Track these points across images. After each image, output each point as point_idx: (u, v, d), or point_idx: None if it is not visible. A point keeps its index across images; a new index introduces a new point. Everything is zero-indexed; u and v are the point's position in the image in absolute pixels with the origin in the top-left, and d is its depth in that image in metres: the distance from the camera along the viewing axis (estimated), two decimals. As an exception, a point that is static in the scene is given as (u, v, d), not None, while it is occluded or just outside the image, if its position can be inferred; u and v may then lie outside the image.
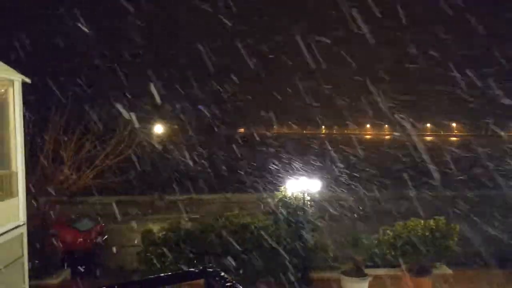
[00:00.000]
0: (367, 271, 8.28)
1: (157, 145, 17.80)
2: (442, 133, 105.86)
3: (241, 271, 7.56)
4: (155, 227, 8.23)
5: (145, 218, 14.78)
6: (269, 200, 9.52)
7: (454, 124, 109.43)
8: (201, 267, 1.94)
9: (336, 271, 8.35)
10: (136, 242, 8.29)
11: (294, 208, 8.60)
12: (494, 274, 9.35)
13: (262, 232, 7.87)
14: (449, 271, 8.92)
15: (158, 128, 24.46)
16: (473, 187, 21.30)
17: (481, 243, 10.80)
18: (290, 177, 9.11)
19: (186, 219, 9.51)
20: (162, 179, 20.15)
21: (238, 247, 7.67)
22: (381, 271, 8.98)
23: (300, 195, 8.79)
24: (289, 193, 8.88)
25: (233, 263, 7.50)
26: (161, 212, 16.60)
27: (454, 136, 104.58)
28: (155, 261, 7.31)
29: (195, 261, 7.41)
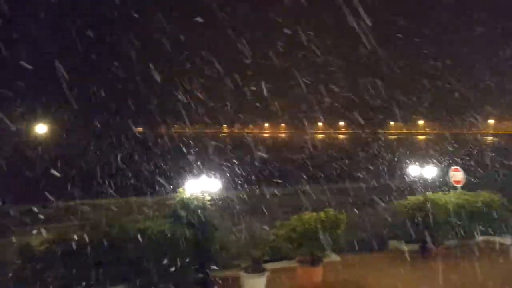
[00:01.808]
0: (265, 266, 8.59)
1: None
2: (331, 132, 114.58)
3: (137, 282, 7.24)
4: (38, 240, 7.43)
5: (27, 230, 13.29)
6: (168, 202, 9.32)
7: (342, 123, 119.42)
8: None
9: (236, 269, 8.49)
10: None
11: (193, 209, 8.52)
12: (375, 257, 10.50)
13: (161, 236, 7.64)
14: (337, 258, 9.76)
15: (41, 128, 22.32)
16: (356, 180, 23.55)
17: (365, 230, 12.05)
18: (189, 177, 9.04)
19: (76, 227, 8.79)
20: (50, 183, 18.42)
21: (134, 254, 7.34)
22: (278, 265, 9.42)
23: (200, 196, 8.76)
24: (188, 194, 8.78)
25: (130, 272, 7.17)
26: (46, 221, 15.10)
27: (342, 133, 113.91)
28: (33, 279, 6.57)
29: (84, 274, 6.86)
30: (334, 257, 9.78)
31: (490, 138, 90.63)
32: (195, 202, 8.53)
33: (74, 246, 6.96)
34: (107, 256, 7.12)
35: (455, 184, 12.33)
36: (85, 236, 7.11)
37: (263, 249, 8.91)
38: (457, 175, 12.38)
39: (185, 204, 8.57)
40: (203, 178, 8.87)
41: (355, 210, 13.84)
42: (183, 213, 8.45)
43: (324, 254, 9.04)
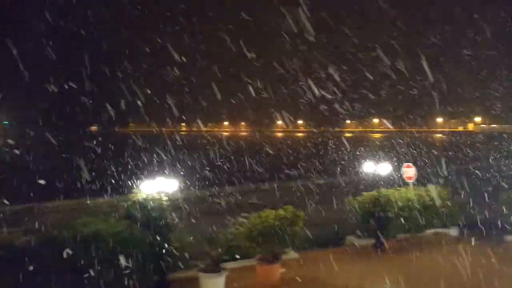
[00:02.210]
0: (224, 265, 8.51)
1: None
2: (290, 129, 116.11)
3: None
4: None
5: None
6: (123, 203, 9.01)
7: (300, 121, 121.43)
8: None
9: (194, 270, 8.36)
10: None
11: (149, 209, 8.29)
12: (332, 252, 10.70)
13: (115, 239, 7.36)
14: (295, 255, 9.86)
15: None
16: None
17: (322, 226, 12.28)
18: (145, 178, 8.80)
19: (21, 232, 8.27)
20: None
21: (87, 259, 7.01)
22: (238, 264, 9.37)
23: (157, 196, 8.54)
24: (144, 195, 8.53)
25: (82, 278, 6.84)
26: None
27: (301, 132, 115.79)
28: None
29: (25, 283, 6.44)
30: (293, 254, 9.87)
31: (439, 135, 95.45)
32: (151, 203, 8.29)
33: (16, 252, 6.53)
34: (55, 263, 6.74)
35: (407, 180, 12.82)
36: (31, 241, 6.71)
37: (222, 249, 8.82)
38: (409, 171, 12.86)
39: (140, 205, 8.32)
40: (159, 178, 8.64)
41: (313, 206, 14.08)
42: (138, 214, 8.20)
43: (283, 251, 9.10)
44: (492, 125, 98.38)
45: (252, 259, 9.07)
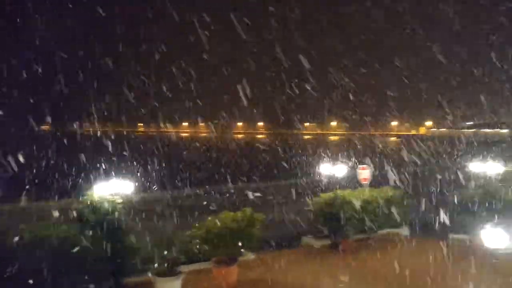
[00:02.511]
0: (181, 268, 8.38)
1: None
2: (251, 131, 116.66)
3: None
4: None
5: None
6: (74, 206, 8.63)
7: (261, 123, 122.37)
8: None
9: (149, 274, 8.17)
10: None
11: (103, 212, 8.01)
12: (289, 253, 10.83)
13: (64, 244, 7.04)
14: (252, 256, 9.89)
15: None
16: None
17: (280, 227, 12.38)
18: (99, 179, 8.52)
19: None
20: None
21: (35, 265, 6.66)
22: (194, 267, 9.26)
23: (111, 198, 8.27)
24: (97, 197, 8.23)
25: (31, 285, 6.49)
26: None
27: (261, 133, 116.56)
28: None
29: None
30: (250, 256, 9.88)
31: (393, 138, 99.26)
32: (105, 206, 8.01)
33: None
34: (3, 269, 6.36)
35: (362, 182, 13.21)
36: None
37: (178, 252, 8.68)
38: (364, 173, 13.26)
39: (93, 208, 8.01)
40: (114, 179, 8.38)
41: (271, 208, 14.16)
42: (91, 217, 7.90)
43: (240, 253, 9.09)
44: (442, 129, 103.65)
45: (209, 261, 9.00)
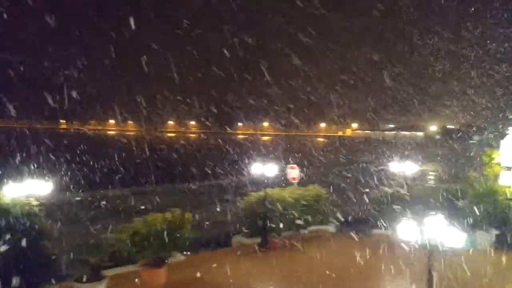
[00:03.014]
0: (106, 272, 7.96)
1: None
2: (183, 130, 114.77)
3: None
4: None
5: None
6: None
7: (192, 122, 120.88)
8: None
9: (71, 279, 7.65)
10: None
11: (15, 215, 7.32)
12: (220, 253, 10.78)
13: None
14: (182, 257, 9.68)
15: None
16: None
17: (211, 227, 12.28)
18: (11, 180, 7.77)
19: None
20: None
21: None
22: (121, 270, 8.85)
23: (25, 200, 7.60)
24: (8, 199, 7.52)
25: None
26: None
27: (193, 133, 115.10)
28: None
29: None
30: (179, 257, 9.68)
31: (321, 139, 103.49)
32: (18, 208, 7.34)
33: None
34: None
35: (291, 181, 13.55)
36: None
37: (103, 255, 8.22)
38: (293, 172, 13.62)
39: (4, 211, 7.29)
40: (29, 180, 7.71)
41: (202, 208, 14.02)
42: (1, 221, 7.18)
43: (169, 255, 8.86)
44: (366, 131, 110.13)
45: (136, 264, 8.65)
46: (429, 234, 5.33)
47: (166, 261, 8.58)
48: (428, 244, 5.39)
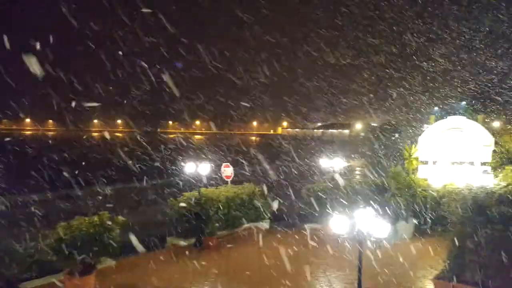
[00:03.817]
0: (24, 285, 7.29)
1: None
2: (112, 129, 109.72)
3: None
4: None
5: None
6: None
7: (119, 121, 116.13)
8: None
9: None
10: None
11: None
12: (154, 256, 10.38)
13: None
14: (112, 262, 9.17)
15: None
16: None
17: (143, 229, 11.79)
18: None
19: None
20: None
21: None
22: (43, 281, 8.17)
23: None
24: None
25: None
26: None
27: (120, 132, 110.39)
28: None
29: None
30: (109, 262, 9.14)
31: (253, 137, 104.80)
32: None
33: None
34: None
35: (225, 179, 13.49)
36: None
37: (21, 266, 7.53)
38: (227, 170, 13.57)
39: None
40: None
41: (134, 210, 13.45)
42: None
43: (97, 261, 8.34)
44: (296, 129, 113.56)
45: (60, 273, 8.03)
46: (358, 227, 5.56)
47: (94, 268, 8.06)
48: (357, 236, 5.62)
